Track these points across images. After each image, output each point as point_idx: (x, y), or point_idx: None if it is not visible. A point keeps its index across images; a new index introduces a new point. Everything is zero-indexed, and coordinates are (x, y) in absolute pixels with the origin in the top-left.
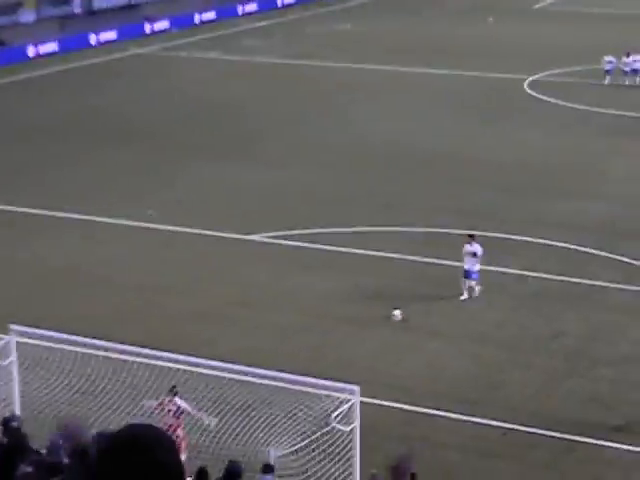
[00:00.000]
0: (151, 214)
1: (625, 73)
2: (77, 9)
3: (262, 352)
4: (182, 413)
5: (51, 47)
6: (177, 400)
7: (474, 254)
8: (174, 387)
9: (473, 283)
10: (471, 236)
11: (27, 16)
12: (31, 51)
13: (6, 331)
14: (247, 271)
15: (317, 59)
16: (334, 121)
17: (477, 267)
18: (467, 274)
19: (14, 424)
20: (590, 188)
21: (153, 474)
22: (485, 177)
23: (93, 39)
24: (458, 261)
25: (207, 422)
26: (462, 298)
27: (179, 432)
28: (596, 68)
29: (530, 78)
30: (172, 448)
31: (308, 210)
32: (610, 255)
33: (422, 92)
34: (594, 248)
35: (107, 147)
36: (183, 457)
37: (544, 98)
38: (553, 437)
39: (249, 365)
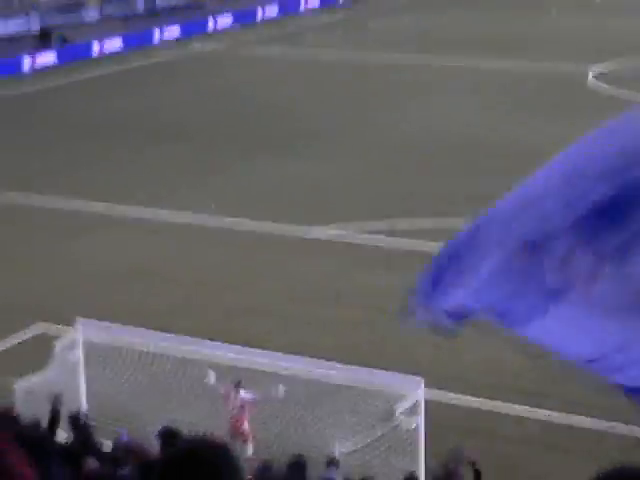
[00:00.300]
0: (214, 207)
1: None
2: (140, 7)
3: (322, 347)
4: (246, 406)
5: (115, 45)
6: (242, 394)
7: None
8: (239, 382)
9: None
10: None
11: (91, 14)
12: (95, 49)
13: (69, 325)
14: (306, 267)
15: (378, 53)
16: (395, 117)
17: None
18: None
19: (81, 420)
20: None
21: None
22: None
23: (156, 37)
24: None
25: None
26: None
27: (245, 426)
28: None
29: (595, 70)
30: (237, 466)
31: (367, 205)
32: None
33: (484, 86)
34: None
35: (167, 144)
36: (250, 451)
37: (608, 91)
38: (618, 432)
39: (309, 360)
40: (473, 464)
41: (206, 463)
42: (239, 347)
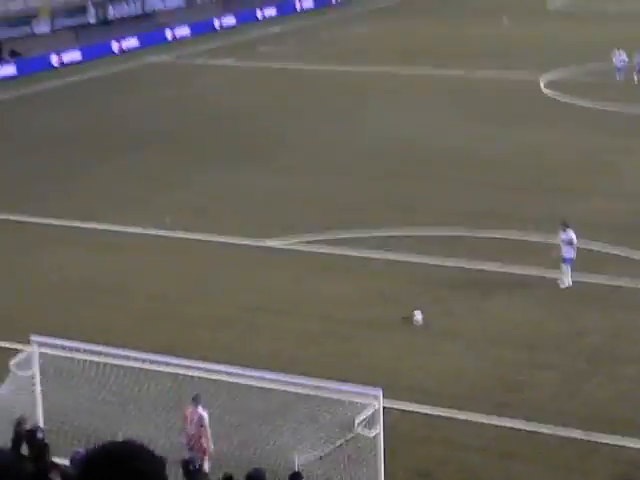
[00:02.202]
0: (168, 221)
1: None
2: (92, 19)
3: (281, 358)
4: (204, 421)
5: (70, 56)
6: (200, 409)
7: (570, 242)
8: (197, 396)
9: (565, 268)
10: (564, 224)
11: (42, 27)
12: (53, 60)
13: (26, 341)
14: (265, 277)
15: (333, 64)
16: (350, 126)
17: (572, 254)
18: (565, 261)
19: (39, 436)
20: (608, 187)
21: None
22: (502, 178)
23: (115, 47)
24: (477, 263)
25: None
26: (562, 286)
27: (203, 441)
28: (609, 65)
29: (545, 78)
30: (152, 459)
31: (325, 215)
32: (629, 254)
33: (438, 94)
34: (613, 247)
35: (124, 155)
36: (207, 466)
37: (560, 97)
38: (576, 438)
39: (268, 372)
40: None
41: (126, 459)
42: (197, 360)
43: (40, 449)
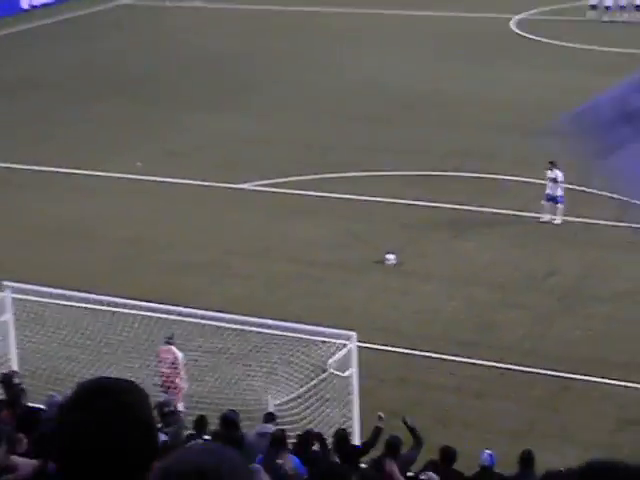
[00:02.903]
0: (139, 165)
1: (607, 9)
2: None
3: (253, 301)
4: (178, 362)
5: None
6: (174, 349)
7: (554, 180)
8: (170, 337)
9: (560, 206)
10: (552, 163)
11: None
12: (22, 3)
13: (0, 287)
14: (236, 220)
15: (299, 4)
16: (319, 67)
17: (559, 192)
18: (548, 198)
19: (15, 380)
20: None
21: (118, 417)
22: (474, 117)
23: None
24: (449, 203)
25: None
26: (542, 220)
27: (177, 381)
28: (581, 4)
29: (516, 17)
30: (138, 392)
31: (297, 158)
32: (602, 192)
33: (408, 34)
34: (585, 185)
35: (96, 99)
36: (180, 407)
37: (531, 37)
38: (549, 375)
39: (241, 314)
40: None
41: (110, 392)
42: (171, 304)
43: (16, 394)
